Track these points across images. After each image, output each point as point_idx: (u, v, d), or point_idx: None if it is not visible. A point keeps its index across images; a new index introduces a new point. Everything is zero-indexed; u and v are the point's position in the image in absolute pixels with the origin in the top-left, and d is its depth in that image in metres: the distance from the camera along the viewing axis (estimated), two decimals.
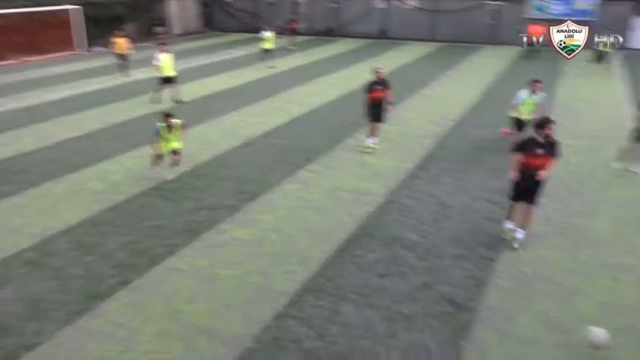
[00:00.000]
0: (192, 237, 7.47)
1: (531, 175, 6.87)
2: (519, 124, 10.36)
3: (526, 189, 7.01)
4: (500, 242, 7.29)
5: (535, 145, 6.86)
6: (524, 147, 6.93)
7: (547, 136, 6.83)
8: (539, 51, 22.77)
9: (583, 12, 25.32)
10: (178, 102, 14.88)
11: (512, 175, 7.05)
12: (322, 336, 5.45)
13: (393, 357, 5.16)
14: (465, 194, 8.93)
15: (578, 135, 12.03)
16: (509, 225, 7.35)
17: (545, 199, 8.47)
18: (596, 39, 20.57)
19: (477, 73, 19.79)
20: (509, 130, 10.80)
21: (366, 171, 10.01)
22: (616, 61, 21.23)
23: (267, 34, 20.58)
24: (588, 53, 21.10)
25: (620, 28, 24.15)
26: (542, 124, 6.87)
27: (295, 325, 5.61)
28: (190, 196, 8.85)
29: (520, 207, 7.20)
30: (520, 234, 7.18)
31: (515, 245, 7.14)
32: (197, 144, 11.21)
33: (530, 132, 7.10)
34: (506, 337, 5.44)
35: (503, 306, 5.96)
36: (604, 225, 7.85)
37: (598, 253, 7.04)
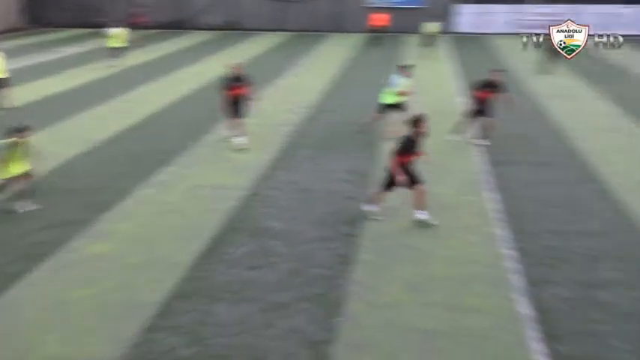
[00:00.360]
0: (39, 260, 6.66)
1: (406, 166, 7.25)
2: (389, 107, 10.95)
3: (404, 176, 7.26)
4: (362, 219, 7.70)
5: (413, 143, 7.17)
6: (408, 149, 7.14)
7: (421, 134, 7.21)
8: (383, 38, 24.41)
9: (415, 0, 27.68)
10: (9, 108, 13.12)
11: (401, 179, 7.16)
12: (197, 340, 5.26)
13: (270, 347, 5.18)
14: (324, 178, 9.25)
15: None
16: (373, 208, 7.67)
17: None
18: (425, 25, 22.61)
19: (326, 61, 20.56)
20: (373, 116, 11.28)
21: (227, 166, 9.85)
22: (444, 44, 23.61)
23: (115, 30, 18.87)
24: (419, 38, 23.15)
25: (445, 14, 26.93)
26: (416, 122, 7.17)
27: (167, 336, 5.33)
28: (34, 214, 7.88)
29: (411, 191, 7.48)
30: (423, 215, 7.49)
31: (435, 222, 7.47)
32: (36, 155, 10.00)
33: (406, 131, 7.42)
34: (375, 307, 5.77)
35: (370, 278, 6.32)
36: (449, 191, 8.72)
37: (446, 217, 7.77)
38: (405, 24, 26.47)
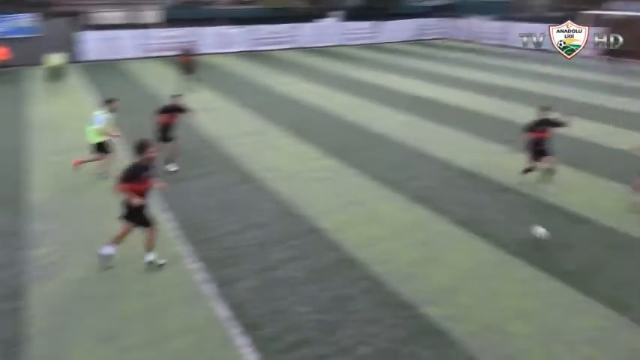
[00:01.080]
0: None
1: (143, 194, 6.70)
2: (102, 146, 9.94)
3: (136, 214, 6.70)
4: (20, 288, 6.44)
5: (142, 170, 6.65)
6: (135, 175, 6.58)
7: (150, 160, 6.74)
8: (7, 74, 21.10)
9: (27, 29, 24.80)
10: None
11: (137, 200, 6.56)
12: None
13: None
14: None
15: (66, 149, 11.86)
16: (111, 250, 6.87)
17: (51, 221, 8.16)
18: (49, 57, 20.65)
19: None
20: (83, 160, 10.25)
21: None
22: (75, 75, 22.08)
23: None
24: (44, 72, 20.95)
25: (69, 43, 25.17)
26: (143, 148, 6.68)
27: None
28: None
29: (139, 232, 6.87)
30: (149, 257, 6.89)
31: (161, 261, 6.94)
32: None
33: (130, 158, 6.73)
34: None
35: (51, 350, 5.39)
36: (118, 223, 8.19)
37: (125, 249, 7.14)
38: (26, 56, 23.41)
